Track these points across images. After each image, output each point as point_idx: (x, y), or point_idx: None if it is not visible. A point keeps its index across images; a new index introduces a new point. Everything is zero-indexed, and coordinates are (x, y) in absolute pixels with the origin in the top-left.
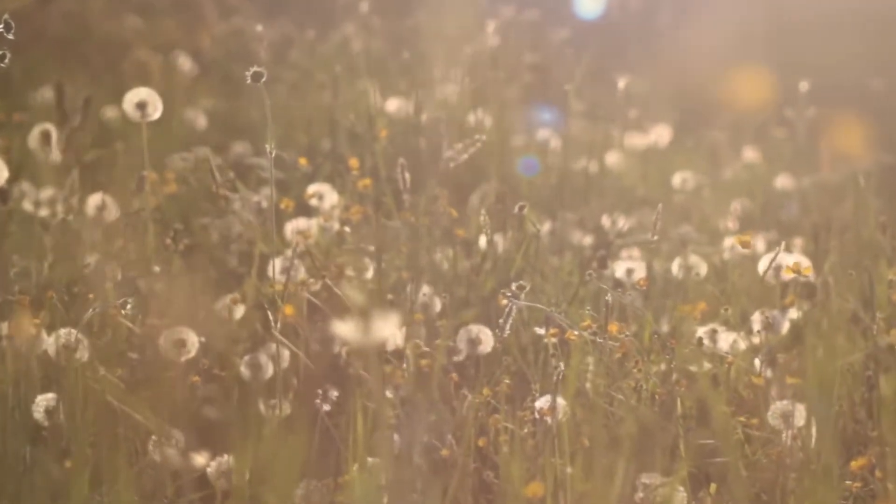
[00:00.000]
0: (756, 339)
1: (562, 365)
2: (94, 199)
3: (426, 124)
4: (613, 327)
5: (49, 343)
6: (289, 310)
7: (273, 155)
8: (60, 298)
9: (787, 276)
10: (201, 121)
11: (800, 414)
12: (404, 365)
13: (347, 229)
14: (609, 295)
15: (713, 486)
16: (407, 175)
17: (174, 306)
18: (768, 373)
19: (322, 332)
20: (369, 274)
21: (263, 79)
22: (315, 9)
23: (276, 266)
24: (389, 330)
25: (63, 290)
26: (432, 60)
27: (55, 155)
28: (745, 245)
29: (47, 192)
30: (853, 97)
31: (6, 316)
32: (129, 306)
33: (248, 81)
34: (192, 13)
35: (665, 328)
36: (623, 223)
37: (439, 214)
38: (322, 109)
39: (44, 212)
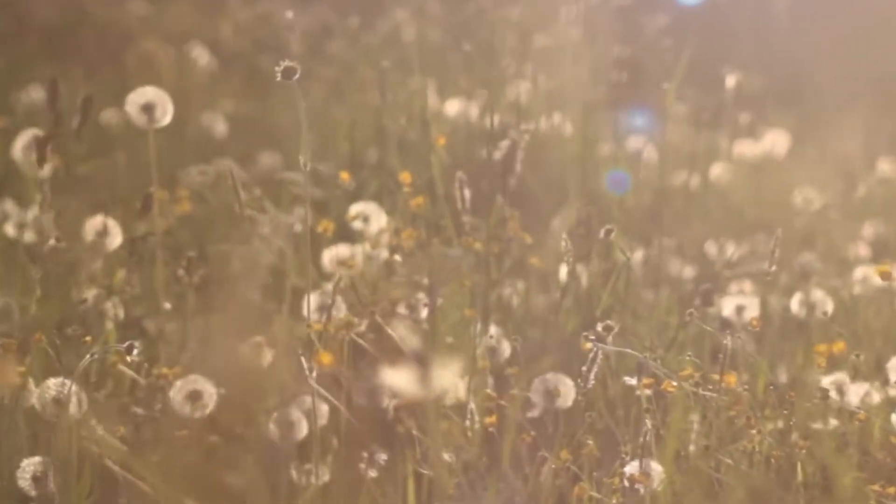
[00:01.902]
0: (893, 391)
1: (654, 422)
2: (91, 222)
3: (493, 131)
4: (730, 378)
5: (37, 396)
6: (326, 357)
7: (308, 168)
8: (51, 342)
9: None
10: (221, 127)
11: None
12: (467, 422)
13: (398, 258)
14: (727, 339)
15: None
16: (466, 192)
17: (188, 351)
18: None
19: (368, 382)
20: (425, 312)
21: (297, 75)
22: None
23: (312, 302)
24: (449, 380)
25: (54, 331)
26: (500, 53)
27: (45, 167)
28: (883, 276)
29: (35, 213)
30: None
31: None
32: (133, 351)
33: (279, 79)
34: None
35: (783, 378)
36: (732, 251)
37: (509, 240)
38: (367, 112)
39: (30, 236)
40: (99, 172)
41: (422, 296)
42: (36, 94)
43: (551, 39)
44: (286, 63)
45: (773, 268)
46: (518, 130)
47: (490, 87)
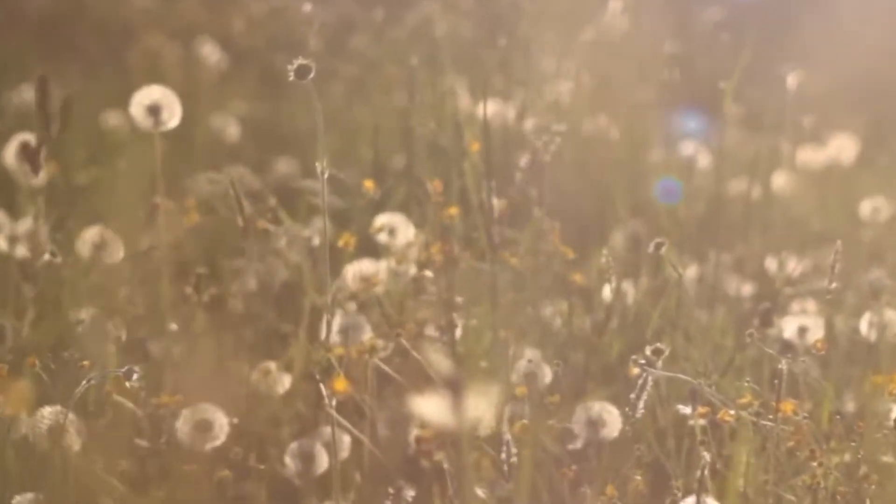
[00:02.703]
0: None
1: (709, 455)
2: (89, 235)
3: (532, 134)
4: (785, 406)
5: (30, 426)
6: (341, 384)
7: (327, 175)
8: (45, 366)
9: None
10: (233, 130)
11: None
12: (503, 455)
13: (428, 274)
14: (784, 363)
15: None
16: (495, 201)
17: (197, 377)
18: None
19: (394, 411)
20: (457, 333)
21: (311, 74)
22: None
23: (332, 323)
24: (483, 408)
25: (48, 355)
26: (539, 49)
27: (39, 175)
28: None
29: (27, 225)
30: None
31: None
32: (136, 377)
33: (291, 78)
34: None
35: (850, 406)
36: (794, 266)
37: (549, 255)
38: (393, 115)
39: (23, 251)
40: (99, 180)
41: (454, 316)
42: (29, 94)
43: (596, 34)
44: (300, 61)
45: (834, 285)
46: (550, 133)
47: (528, 87)
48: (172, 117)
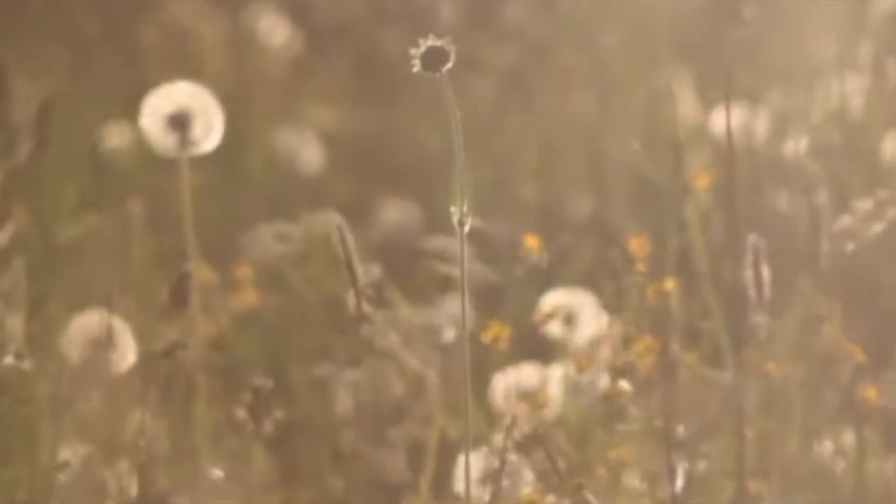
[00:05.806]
0: None
1: None
2: (79, 325)
3: (796, 162)
4: None
5: None
6: None
7: (467, 228)
8: None
9: None
10: (313, 154)
11: None
12: None
13: (626, 387)
14: None
15: None
16: (765, 271)
17: None
18: None
19: None
20: (679, 483)
21: (450, 63)
22: None
23: (472, 466)
24: None
25: None
26: (807, 25)
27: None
28: None
29: None
30: None
31: None
32: None
33: (417, 69)
34: None
35: None
36: None
37: (827, 357)
38: (572, 129)
39: None
40: (96, 235)
41: (672, 456)
42: None
43: None
44: (431, 42)
45: None
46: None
47: (791, 85)
48: (210, 133)
